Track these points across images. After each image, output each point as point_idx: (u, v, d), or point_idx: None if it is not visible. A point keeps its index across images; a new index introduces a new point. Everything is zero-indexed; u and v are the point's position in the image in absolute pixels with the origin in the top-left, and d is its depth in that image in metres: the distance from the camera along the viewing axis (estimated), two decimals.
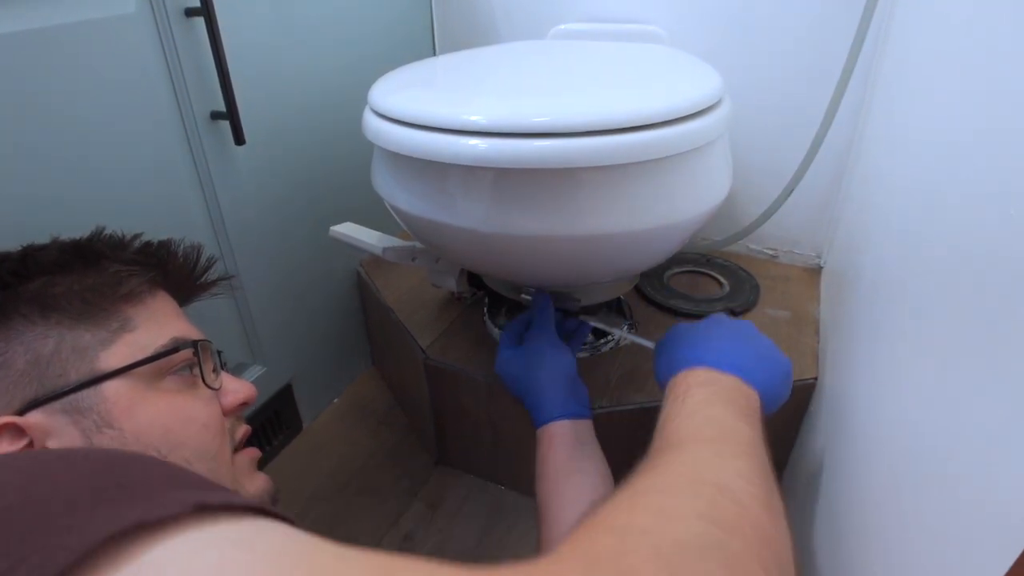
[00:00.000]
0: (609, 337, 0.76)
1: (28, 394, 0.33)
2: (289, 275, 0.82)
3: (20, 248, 0.39)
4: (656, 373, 0.50)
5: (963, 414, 0.31)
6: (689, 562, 0.23)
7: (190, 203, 0.65)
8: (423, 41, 1.01)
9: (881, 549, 0.38)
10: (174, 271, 0.43)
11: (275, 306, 0.80)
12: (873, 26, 0.71)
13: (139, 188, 0.59)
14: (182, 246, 0.45)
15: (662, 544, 0.24)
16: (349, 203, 0.87)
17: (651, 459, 0.33)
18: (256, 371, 0.79)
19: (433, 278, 0.80)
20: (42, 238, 0.41)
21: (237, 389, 0.42)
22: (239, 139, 0.65)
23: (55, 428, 0.33)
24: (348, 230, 0.74)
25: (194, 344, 0.40)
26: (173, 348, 0.38)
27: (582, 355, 0.75)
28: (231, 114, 0.63)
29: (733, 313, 0.81)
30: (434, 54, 1.04)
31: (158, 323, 0.39)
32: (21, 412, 0.33)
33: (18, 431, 0.33)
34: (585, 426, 0.58)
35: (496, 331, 0.79)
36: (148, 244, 0.43)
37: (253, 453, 0.43)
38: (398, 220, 0.62)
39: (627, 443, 0.70)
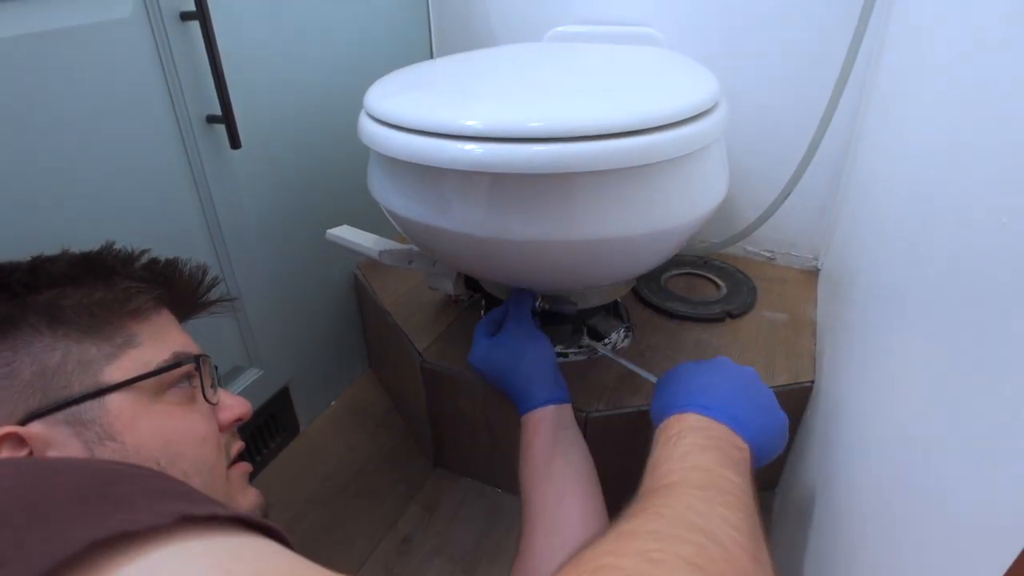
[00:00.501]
0: (606, 340, 0.76)
1: (31, 405, 0.33)
2: (285, 278, 0.81)
3: (29, 259, 0.39)
4: (652, 409, 0.50)
5: (959, 417, 0.31)
6: None
7: (186, 207, 0.65)
8: (420, 44, 1.01)
9: (877, 553, 0.38)
10: (180, 290, 0.44)
11: (272, 309, 0.79)
12: (870, 30, 0.71)
13: (134, 192, 0.59)
14: (188, 266, 0.45)
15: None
16: (345, 206, 0.87)
17: (641, 501, 0.33)
18: (253, 374, 0.79)
19: (430, 281, 0.80)
20: (36, 243, 0.41)
21: (233, 405, 0.43)
22: (235, 143, 0.64)
23: (57, 439, 0.33)
24: (344, 233, 0.74)
25: (196, 359, 0.40)
26: (176, 363, 0.39)
27: (579, 358, 0.75)
28: (227, 118, 0.63)
29: (731, 316, 0.82)
30: (431, 57, 1.03)
31: (161, 339, 0.39)
32: (23, 422, 0.33)
33: (19, 441, 0.33)
34: (567, 410, 0.60)
35: None
36: (155, 261, 0.43)
37: (245, 468, 0.44)
38: (394, 224, 0.62)
39: (624, 446, 0.70)
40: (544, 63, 0.69)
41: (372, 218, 0.76)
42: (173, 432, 0.37)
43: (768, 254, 0.96)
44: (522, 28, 0.95)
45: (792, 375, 0.71)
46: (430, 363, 0.76)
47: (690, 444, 0.39)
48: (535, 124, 0.46)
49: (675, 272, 0.92)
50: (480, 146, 0.46)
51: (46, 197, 0.52)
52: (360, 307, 0.98)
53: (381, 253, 0.71)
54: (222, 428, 0.41)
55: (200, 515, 0.21)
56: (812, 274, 0.92)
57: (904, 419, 0.39)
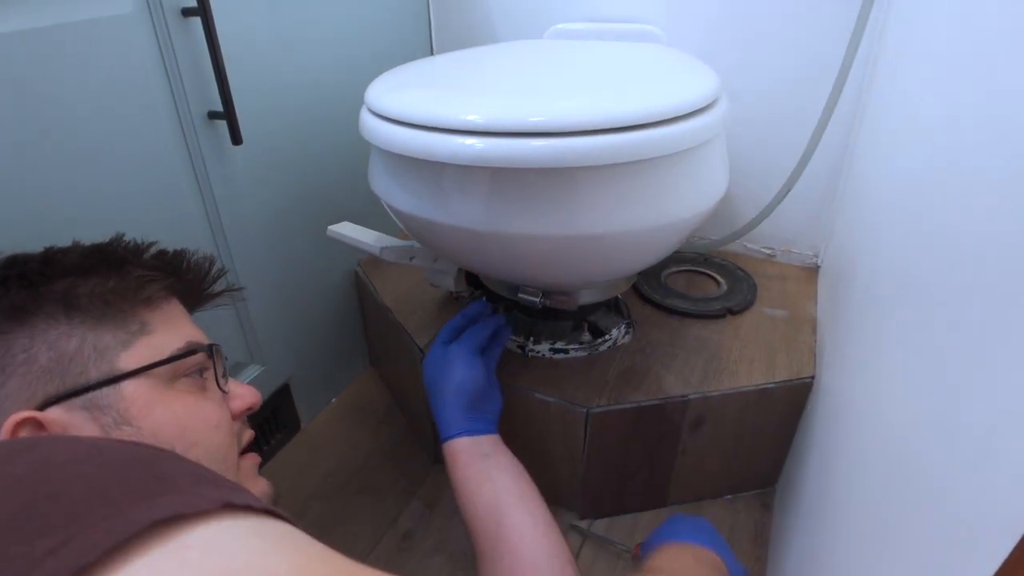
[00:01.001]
0: (607, 336, 0.76)
1: (50, 390, 0.34)
2: (287, 275, 0.82)
3: (42, 250, 0.40)
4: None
5: (959, 412, 0.31)
6: None
7: (187, 203, 0.65)
8: (420, 40, 1.01)
9: (877, 547, 0.39)
10: (188, 280, 0.45)
11: (273, 306, 0.80)
12: (869, 26, 0.71)
13: (136, 188, 0.59)
14: (195, 256, 0.46)
15: None
16: (347, 203, 0.87)
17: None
18: (254, 371, 0.79)
19: (431, 278, 0.80)
20: (38, 237, 0.41)
21: (244, 394, 0.44)
22: (236, 139, 0.65)
23: (74, 424, 0.34)
24: (346, 230, 0.74)
25: (209, 348, 0.41)
26: (189, 351, 0.40)
27: (579, 354, 0.75)
28: (228, 114, 0.63)
29: (731, 312, 0.82)
30: (431, 54, 1.04)
31: (173, 328, 0.40)
32: (42, 407, 0.34)
33: (38, 425, 0.33)
34: (488, 441, 0.59)
35: None
36: (164, 252, 0.44)
37: (255, 459, 0.45)
38: (395, 220, 0.62)
39: (624, 441, 0.70)
40: (545, 59, 0.69)
41: (374, 214, 0.76)
42: (188, 418, 0.37)
43: (768, 251, 0.96)
44: (522, 25, 0.95)
45: (792, 371, 0.71)
46: None
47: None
48: (536, 119, 0.46)
49: (675, 269, 0.92)
50: (481, 141, 0.46)
51: (47, 193, 0.52)
52: (361, 304, 0.99)
53: (382, 250, 0.71)
54: (233, 417, 0.42)
55: (239, 504, 0.22)
56: (812, 271, 0.92)
57: (904, 414, 0.39)
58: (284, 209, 0.79)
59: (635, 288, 0.86)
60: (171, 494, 0.22)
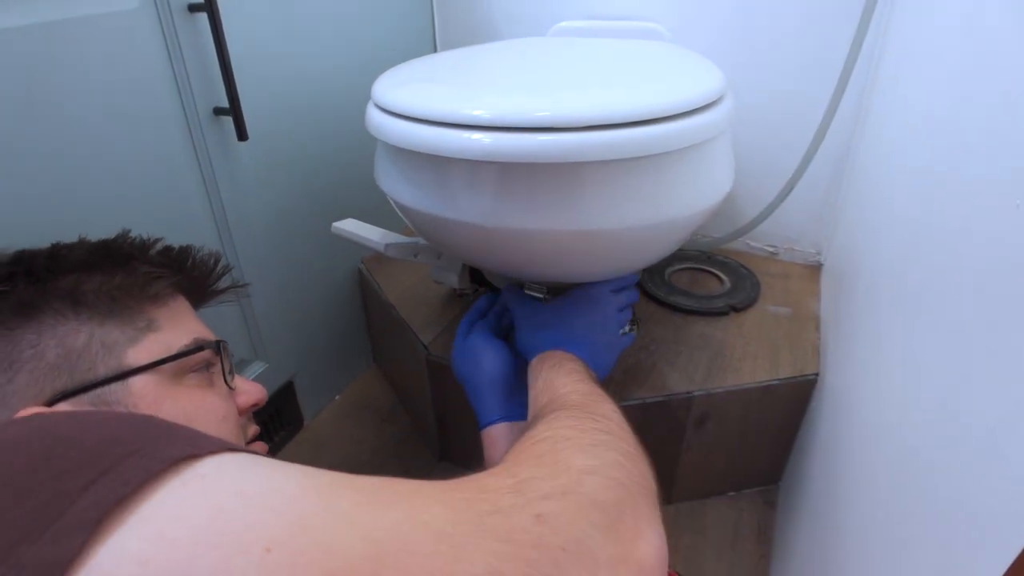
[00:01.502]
0: None
1: (58, 386, 0.34)
2: (291, 271, 0.82)
3: (48, 246, 0.40)
4: (519, 344, 0.61)
5: (964, 409, 0.31)
6: (602, 451, 0.34)
7: (192, 199, 0.65)
8: (424, 38, 1.01)
9: (881, 545, 0.39)
10: (194, 276, 0.45)
11: (277, 303, 0.80)
12: (874, 23, 0.71)
13: (141, 184, 0.59)
14: (201, 253, 0.46)
15: (582, 443, 0.34)
16: (352, 199, 0.87)
17: (552, 403, 0.44)
18: (258, 368, 0.79)
19: (435, 275, 0.80)
20: (43, 233, 0.41)
21: (250, 390, 0.44)
22: (242, 135, 0.65)
23: None
24: (350, 226, 0.74)
25: (216, 344, 0.41)
26: (197, 347, 0.40)
27: None
28: (234, 110, 0.63)
29: (735, 310, 0.82)
30: (435, 51, 1.04)
31: (179, 324, 0.40)
32: (50, 403, 0.34)
33: None
34: (525, 427, 0.59)
35: None
36: (169, 248, 0.44)
37: (263, 446, 0.45)
38: (401, 215, 0.62)
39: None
40: (550, 56, 0.69)
41: (378, 211, 0.76)
42: (195, 411, 0.37)
43: (771, 249, 0.96)
44: (526, 23, 0.95)
45: (796, 368, 0.71)
46: (435, 357, 0.76)
47: (570, 369, 0.51)
48: (543, 113, 0.46)
49: (679, 267, 0.92)
50: (488, 135, 0.46)
51: (53, 188, 0.52)
52: (365, 301, 0.99)
53: (387, 246, 0.71)
54: (240, 412, 0.42)
55: (239, 449, 0.25)
56: (815, 269, 0.92)
57: (908, 410, 0.39)
58: (289, 205, 0.79)
59: (639, 286, 0.86)
60: (181, 439, 0.24)
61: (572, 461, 0.32)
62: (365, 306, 0.99)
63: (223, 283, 0.49)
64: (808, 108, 0.80)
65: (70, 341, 0.35)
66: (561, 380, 0.48)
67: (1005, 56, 0.35)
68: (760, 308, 0.83)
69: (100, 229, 0.44)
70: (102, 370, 0.35)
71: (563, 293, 0.64)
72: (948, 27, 0.48)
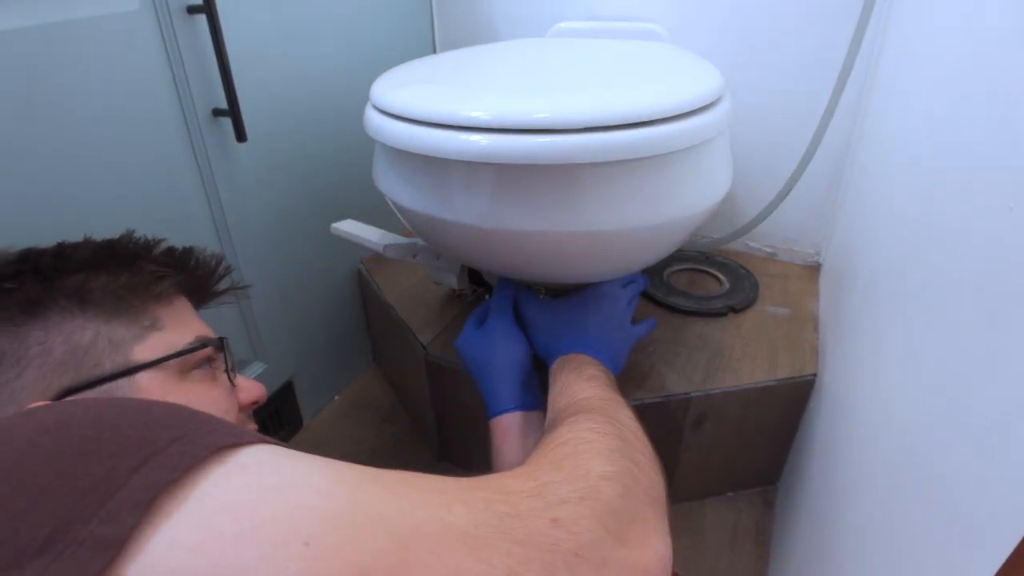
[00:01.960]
0: None
1: (65, 381, 0.35)
2: (290, 272, 0.82)
3: (55, 244, 0.40)
4: (537, 347, 0.62)
5: (962, 409, 0.31)
6: (618, 458, 0.35)
7: (191, 200, 0.66)
8: (423, 39, 1.01)
9: (879, 545, 0.39)
10: (196, 277, 0.46)
11: (276, 303, 0.80)
12: (872, 24, 0.71)
13: (140, 185, 0.60)
14: (203, 254, 0.47)
15: (600, 449, 0.36)
16: (350, 200, 0.87)
17: (572, 407, 0.45)
18: (257, 368, 0.79)
19: (434, 275, 0.80)
20: (42, 233, 0.41)
21: (250, 388, 0.45)
22: (241, 136, 0.65)
23: None
24: (349, 227, 0.74)
25: (220, 341, 0.42)
26: (202, 344, 0.40)
27: None
28: (233, 111, 0.63)
29: (734, 311, 0.82)
30: (434, 52, 1.04)
31: (182, 323, 0.41)
32: (57, 398, 0.34)
33: None
34: (536, 417, 0.59)
35: None
36: (173, 249, 0.45)
37: None
38: (399, 216, 0.62)
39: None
40: (549, 57, 0.69)
41: (377, 212, 0.76)
42: (199, 406, 0.38)
43: (770, 250, 0.96)
44: (525, 24, 0.95)
45: (795, 369, 0.71)
46: (434, 357, 0.77)
47: (591, 373, 0.52)
48: (540, 115, 0.46)
49: (678, 268, 0.92)
50: (485, 137, 0.46)
51: (53, 188, 0.52)
52: (364, 302, 0.99)
53: (386, 247, 0.71)
54: (240, 409, 0.43)
55: (271, 441, 0.26)
56: (814, 269, 0.92)
57: (906, 411, 0.39)
58: (288, 206, 0.79)
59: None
60: (222, 428, 0.25)
61: (591, 466, 0.33)
62: (364, 306, 0.99)
63: (224, 284, 0.49)
64: (807, 109, 0.80)
65: (77, 338, 0.36)
66: (581, 384, 0.49)
67: (1004, 56, 0.35)
68: (759, 309, 0.83)
69: (100, 229, 0.44)
70: (108, 366, 0.36)
71: (565, 293, 0.64)
72: (947, 27, 0.48)
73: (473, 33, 1.00)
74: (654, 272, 0.90)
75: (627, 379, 0.71)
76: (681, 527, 0.75)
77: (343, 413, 0.95)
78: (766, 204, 0.84)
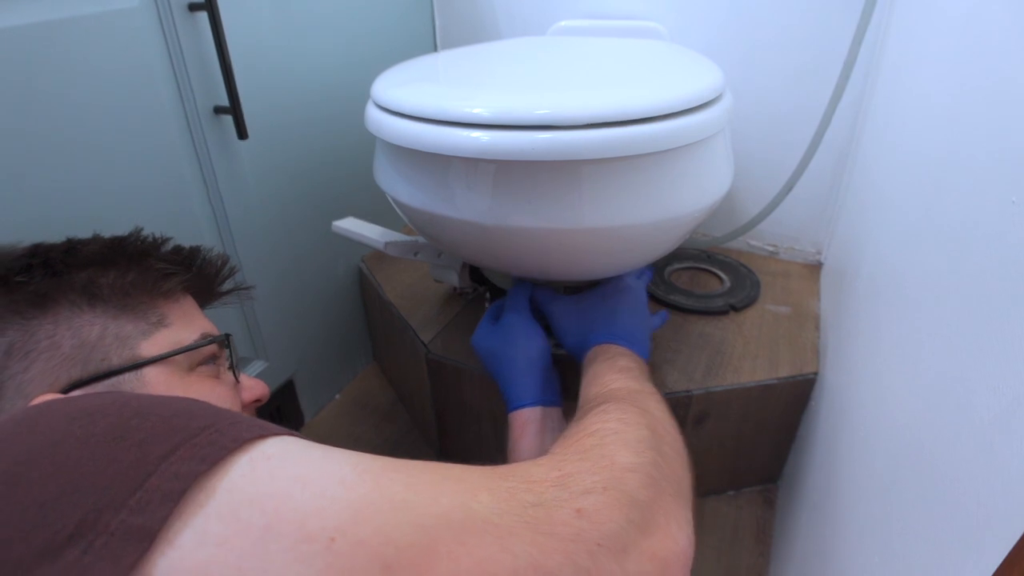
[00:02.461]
0: None
1: (73, 375, 0.35)
2: (291, 270, 0.82)
3: (65, 240, 0.41)
4: (565, 340, 0.62)
5: (962, 407, 0.31)
6: (644, 449, 0.35)
7: (192, 197, 0.66)
8: (425, 37, 1.01)
9: (880, 543, 0.39)
10: (202, 276, 0.46)
11: (277, 301, 0.80)
12: (874, 22, 0.71)
13: (142, 182, 0.60)
14: (209, 254, 0.47)
15: (627, 439, 0.35)
16: (351, 198, 0.87)
17: (602, 396, 0.45)
18: (258, 366, 0.79)
19: (435, 273, 0.80)
20: (43, 231, 0.42)
21: (253, 386, 0.45)
22: (242, 134, 0.65)
23: None
24: (350, 225, 0.74)
25: (225, 337, 0.43)
26: (208, 340, 0.41)
27: None
28: (234, 109, 0.63)
29: (735, 309, 0.82)
30: (435, 50, 1.04)
31: (188, 320, 0.42)
32: (65, 391, 0.34)
33: None
34: (556, 414, 0.59)
35: None
36: (180, 248, 0.45)
37: None
38: (400, 214, 0.62)
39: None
40: (550, 54, 0.69)
41: (378, 209, 0.76)
42: (207, 400, 0.38)
43: (771, 248, 0.96)
44: (526, 22, 0.95)
45: (795, 367, 0.71)
46: (435, 355, 0.77)
47: (623, 364, 0.52)
48: (541, 112, 0.46)
49: (679, 266, 0.92)
50: (486, 133, 0.46)
51: (53, 185, 0.52)
52: (364, 300, 0.99)
53: (387, 244, 0.71)
54: (243, 407, 0.43)
55: (295, 433, 0.27)
56: (815, 268, 0.92)
57: (907, 409, 0.39)
58: (289, 204, 0.79)
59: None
60: (247, 420, 0.26)
61: (616, 457, 0.33)
62: (365, 304, 0.99)
63: (229, 284, 0.50)
64: (808, 106, 0.80)
65: (85, 333, 0.36)
66: (613, 375, 0.49)
67: (1006, 56, 0.35)
68: (760, 307, 0.83)
69: (102, 226, 0.44)
70: (116, 361, 0.36)
71: (581, 290, 0.64)
72: (948, 27, 0.48)
73: (474, 31, 1.00)
74: (655, 270, 0.90)
75: None
76: None
77: (344, 411, 0.95)
78: (767, 202, 0.84)
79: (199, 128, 0.64)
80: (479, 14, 0.98)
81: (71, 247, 0.40)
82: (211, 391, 0.40)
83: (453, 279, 0.78)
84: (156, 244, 0.44)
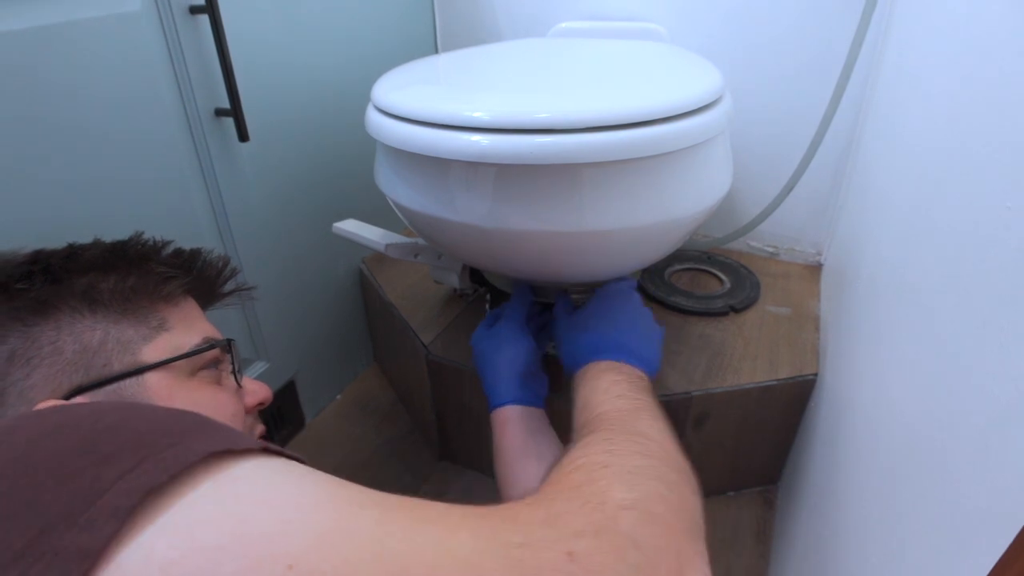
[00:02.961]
0: None
1: (75, 381, 0.35)
2: (292, 272, 0.82)
3: (65, 245, 0.41)
4: (563, 358, 0.58)
5: (961, 409, 0.31)
6: (641, 481, 0.32)
7: (194, 200, 0.66)
8: (425, 39, 1.01)
9: (880, 543, 0.39)
10: (203, 279, 0.46)
11: (278, 303, 0.80)
12: (874, 23, 0.71)
13: (143, 185, 0.60)
14: (210, 256, 0.47)
15: (619, 472, 0.32)
16: (352, 200, 0.87)
17: (587, 427, 0.41)
18: (259, 367, 0.80)
19: (435, 275, 0.80)
20: (46, 233, 0.42)
21: (256, 390, 0.45)
22: (243, 136, 0.65)
23: None
24: (351, 227, 0.74)
25: (227, 342, 0.43)
26: (209, 345, 0.41)
27: None
28: (235, 111, 0.64)
29: (735, 310, 0.82)
30: (436, 52, 1.04)
31: (190, 324, 0.42)
32: (67, 397, 0.35)
33: None
34: (537, 415, 0.60)
35: None
36: (180, 251, 0.45)
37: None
38: (400, 216, 0.63)
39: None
40: (550, 57, 0.69)
41: (379, 211, 0.76)
42: (207, 407, 0.38)
43: (771, 249, 0.96)
44: (526, 24, 0.95)
45: (795, 368, 0.72)
46: (435, 356, 0.77)
47: (609, 381, 0.48)
48: (541, 115, 0.46)
49: (679, 267, 0.92)
50: (486, 137, 0.47)
51: (55, 190, 0.53)
52: (365, 301, 0.99)
53: (387, 246, 0.71)
54: (246, 411, 0.43)
55: (274, 449, 0.26)
56: (815, 269, 0.92)
57: (906, 410, 0.40)
58: (289, 206, 0.79)
59: (639, 286, 0.87)
60: (220, 432, 0.25)
61: (609, 494, 0.30)
62: (366, 306, 0.99)
63: (231, 286, 0.50)
64: (808, 108, 0.80)
65: (86, 338, 0.36)
66: (599, 397, 0.46)
67: (1006, 57, 0.35)
68: (760, 308, 0.83)
69: (101, 230, 0.44)
70: (117, 366, 0.36)
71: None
72: (949, 27, 0.48)
73: (475, 33, 1.00)
74: (655, 271, 0.90)
75: None
76: None
77: (344, 412, 0.95)
78: (767, 204, 0.84)
79: (200, 130, 0.64)
80: (480, 16, 0.99)
81: (71, 252, 0.40)
82: (212, 397, 0.40)
83: (453, 281, 0.78)
84: (156, 248, 0.44)
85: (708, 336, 0.78)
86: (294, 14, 0.73)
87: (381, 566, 0.21)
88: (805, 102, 0.81)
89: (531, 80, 0.61)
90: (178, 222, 0.64)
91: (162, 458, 0.22)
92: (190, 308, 0.43)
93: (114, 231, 0.44)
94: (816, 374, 0.71)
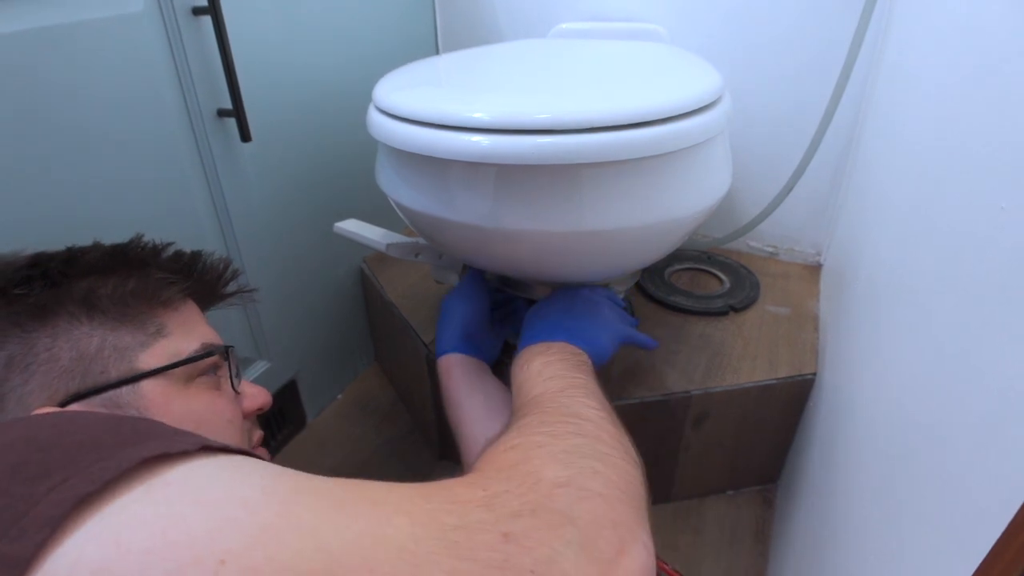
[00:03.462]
0: None
1: (71, 388, 0.35)
2: (293, 271, 0.82)
3: (65, 248, 0.40)
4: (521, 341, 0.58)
5: (959, 409, 0.32)
6: (575, 460, 0.32)
7: (196, 200, 0.66)
8: (426, 40, 1.02)
9: (877, 541, 0.39)
10: (204, 281, 0.46)
11: (279, 302, 0.80)
12: (873, 24, 0.71)
13: (146, 185, 0.60)
14: (211, 258, 0.47)
15: (554, 451, 0.33)
16: (353, 200, 0.88)
17: (521, 411, 0.41)
18: (260, 367, 0.80)
19: (436, 274, 0.80)
20: (48, 233, 0.42)
21: (256, 394, 0.45)
22: (245, 136, 0.65)
23: None
24: (352, 226, 0.74)
25: (225, 349, 0.42)
26: (207, 352, 0.40)
27: None
28: (237, 111, 0.64)
29: (734, 310, 0.82)
30: (437, 53, 1.04)
31: (189, 329, 0.41)
32: (63, 404, 0.34)
33: None
34: (481, 365, 0.63)
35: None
36: (181, 253, 0.45)
37: (264, 453, 0.46)
38: (401, 216, 0.63)
39: (629, 437, 0.71)
40: (550, 57, 0.69)
41: (380, 211, 0.77)
42: (203, 414, 0.38)
43: (771, 249, 0.96)
44: (527, 25, 0.96)
45: (795, 368, 0.72)
46: (436, 356, 0.77)
47: (540, 363, 0.48)
48: (542, 116, 0.46)
49: (679, 267, 0.93)
50: (487, 137, 0.47)
51: (58, 190, 0.53)
52: (366, 301, 0.99)
53: (388, 246, 0.71)
54: (245, 416, 0.43)
55: (215, 447, 0.26)
56: (815, 269, 0.93)
57: (905, 410, 0.40)
58: (291, 206, 0.79)
59: (639, 286, 0.87)
60: (157, 439, 0.25)
61: (543, 473, 0.30)
62: (367, 305, 1.00)
63: (232, 288, 0.50)
64: (808, 108, 0.81)
65: (84, 345, 0.36)
66: (532, 380, 0.46)
67: (1006, 57, 0.35)
68: (759, 308, 0.83)
69: (104, 229, 0.44)
70: (114, 374, 0.36)
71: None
72: (949, 27, 0.48)
73: (475, 33, 1.00)
74: (655, 271, 0.90)
75: (628, 378, 0.71)
76: (681, 525, 0.76)
77: (345, 412, 0.95)
78: (767, 204, 0.84)
79: (202, 131, 0.64)
80: (480, 16, 0.99)
81: (71, 256, 0.39)
82: (210, 403, 0.39)
83: (454, 280, 0.79)
84: (157, 251, 0.43)
85: (708, 336, 0.78)
86: (295, 15, 0.73)
87: (314, 558, 0.21)
88: (805, 102, 0.82)
89: (531, 81, 0.61)
90: (180, 222, 0.64)
91: (93, 470, 0.22)
92: (190, 312, 0.43)
93: (116, 232, 0.44)
94: (815, 374, 0.71)
